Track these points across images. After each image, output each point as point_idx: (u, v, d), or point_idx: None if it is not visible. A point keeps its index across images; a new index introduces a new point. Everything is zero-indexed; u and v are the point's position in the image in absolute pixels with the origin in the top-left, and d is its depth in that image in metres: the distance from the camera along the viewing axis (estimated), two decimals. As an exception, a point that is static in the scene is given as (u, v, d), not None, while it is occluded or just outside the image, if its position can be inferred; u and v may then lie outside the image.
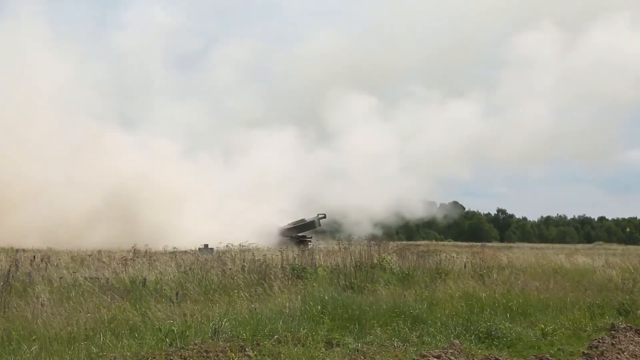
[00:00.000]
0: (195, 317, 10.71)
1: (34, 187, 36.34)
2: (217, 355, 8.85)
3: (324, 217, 44.77)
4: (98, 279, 13.93)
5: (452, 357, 9.74)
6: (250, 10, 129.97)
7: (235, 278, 14.67)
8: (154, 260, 17.55)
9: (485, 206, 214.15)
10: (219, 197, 41.74)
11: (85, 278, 13.96)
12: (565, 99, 58.15)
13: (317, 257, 19.45)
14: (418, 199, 51.77)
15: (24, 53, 42.07)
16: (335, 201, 45.82)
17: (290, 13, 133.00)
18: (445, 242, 64.06)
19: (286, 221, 42.28)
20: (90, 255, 19.74)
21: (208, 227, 36.40)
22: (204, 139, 50.02)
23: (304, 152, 50.16)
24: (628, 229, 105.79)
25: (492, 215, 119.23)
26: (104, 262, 17.50)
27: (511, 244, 64.61)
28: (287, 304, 11.93)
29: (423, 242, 60.98)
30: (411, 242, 56.12)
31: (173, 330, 9.56)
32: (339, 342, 10.11)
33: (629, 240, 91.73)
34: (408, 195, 48.95)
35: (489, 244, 56.61)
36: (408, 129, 52.87)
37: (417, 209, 51.03)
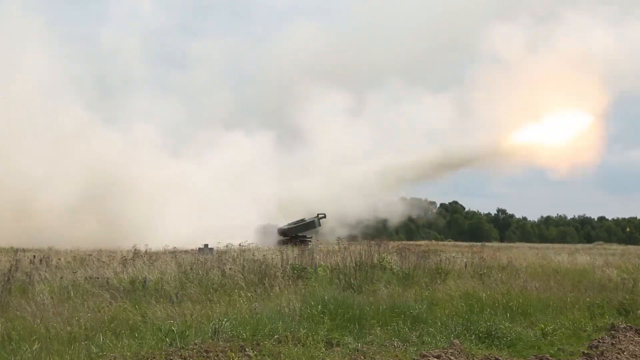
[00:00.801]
0: (195, 317, 10.72)
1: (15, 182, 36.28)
2: (217, 355, 8.85)
3: (324, 217, 44.75)
4: (98, 278, 13.94)
5: (452, 357, 9.74)
6: (231, 8, 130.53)
7: (235, 278, 14.67)
8: (154, 260, 17.57)
9: (485, 206, 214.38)
10: (198, 196, 41.59)
11: (86, 278, 13.97)
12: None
13: (317, 257, 19.45)
14: (396, 199, 51.78)
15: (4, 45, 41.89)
16: (311, 201, 45.80)
17: (269, 10, 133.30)
18: (445, 242, 64.07)
19: (263, 221, 42.12)
20: (90, 255, 19.75)
21: (189, 224, 36.51)
22: (181, 137, 49.51)
23: (280, 152, 50.10)
24: (628, 229, 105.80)
25: (492, 215, 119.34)
26: (104, 262, 17.51)
27: (511, 244, 64.58)
28: (287, 304, 11.94)
29: (423, 242, 61.00)
30: (411, 242, 56.13)
31: (173, 330, 9.57)
32: (339, 342, 10.11)
33: (629, 240, 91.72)
34: (385, 195, 48.95)
35: (489, 244, 56.59)
36: (386, 127, 52.54)
37: (395, 209, 50.80)
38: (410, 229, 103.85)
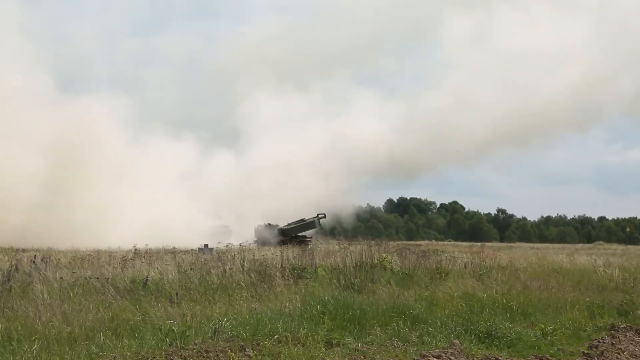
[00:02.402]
0: (195, 317, 10.72)
1: None
2: (217, 355, 8.86)
3: (324, 216, 44.78)
4: (98, 278, 13.92)
5: (452, 357, 9.74)
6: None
7: (235, 278, 14.67)
8: (154, 260, 17.57)
9: (485, 206, 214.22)
10: (150, 193, 41.48)
11: (86, 278, 13.96)
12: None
13: (317, 257, 19.44)
14: (350, 199, 51.70)
15: None
16: (265, 202, 45.65)
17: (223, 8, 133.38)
18: (445, 242, 64.06)
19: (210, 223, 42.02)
20: (90, 255, 19.76)
21: (143, 220, 36.50)
22: (134, 133, 49.03)
23: (228, 152, 50.04)
24: (628, 229, 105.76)
25: (492, 215, 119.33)
26: (104, 262, 17.51)
27: (511, 244, 64.59)
28: (287, 304, 11.94)
29: (423, 242, 61.01)
30: (411, 242, 56.15)
31: (173, 330, 9.57)
32: (339, 342, 10.12)
33: (629, 240, 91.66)
34: (339, 195, 48.85)
35: (489, 244, 56.56)
36: (343, 127, 52.46)
37: (348, 209, 50.69)
38: (410, 229, 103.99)
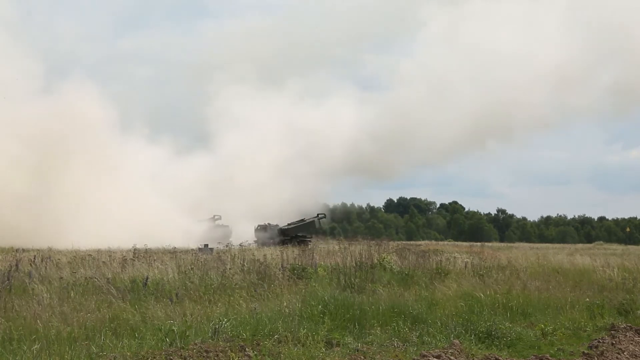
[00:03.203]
0: (195, 317, 10.72)
1: None
2: (217, 355, 8.86)
3: (324, 216, 44.84)
4: (98, 278, 13.93)
5: (452, 357, 9.74)
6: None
7: (235, 278, 14.67)
8: (154, 260, 17.57)
9: (485, 206, 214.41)
10: (123, 192, 41.40)
11: (86, 278, 13.96)
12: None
13: (317, 257, 19.44)
14: (314, 199, 51.65)
15: None
16: (228, 204, 45.52)
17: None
18: (445, 242, 64.09)
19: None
20: (90, 255, 19.75)
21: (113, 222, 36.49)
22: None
23: (203, 151, 49.91)
24: (628, 229, 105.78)
25: (492, 215, 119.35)
26: (103, 262, 17.51)
27: (511, 244, 64.60)
28: (287, 304, 11.94)
29: (423, 242, 61.01)
30: (411, 242, 56.16)
31: (173, 330, 9.58)
32: (339, 342, 10.12)
33: (629, 240, 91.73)
34: (304, 196, 48.75)
35: (489, 244, 56.60)
36: (312, 125, 52.29)
37: (312, 210, 50.64)
38: (411, 229, 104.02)
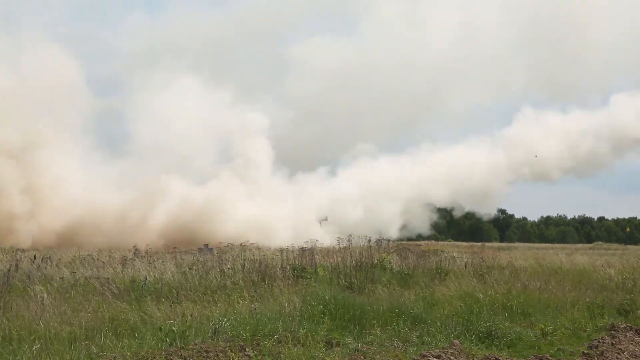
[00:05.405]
0: (195, 317, 10.72)
1: None
2: (217, 355, 8.86)
3: (326, 219, 44.93)
4: (98, 278, 13.93)
5: (452, 357, 9.74)
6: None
7: (235, 278, 14.67)
8: (154, 260, 17.58)
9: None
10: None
11: (86, 278, 13.97)
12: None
13: (317, 257, 19.43)
14: None
15: None
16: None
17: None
18: (446, 242, 64.05)
19: None
20: (89, 255, 19.76)
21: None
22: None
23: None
24: (628, 229, 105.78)
25: (492, 215, 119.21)
26: (103, 262, 17.52)
27: (511, 244, 64.60)
28: (287, 304, 11.94)
29: (423, 242, 60.95)
30: (411, 242, 56.10)
31: (173, 330, 9.57)
32: (339, 342, 10.12)
33: (629, 240, 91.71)
34: None
35: (489, 244, 56.55)
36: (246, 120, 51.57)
37: None
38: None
